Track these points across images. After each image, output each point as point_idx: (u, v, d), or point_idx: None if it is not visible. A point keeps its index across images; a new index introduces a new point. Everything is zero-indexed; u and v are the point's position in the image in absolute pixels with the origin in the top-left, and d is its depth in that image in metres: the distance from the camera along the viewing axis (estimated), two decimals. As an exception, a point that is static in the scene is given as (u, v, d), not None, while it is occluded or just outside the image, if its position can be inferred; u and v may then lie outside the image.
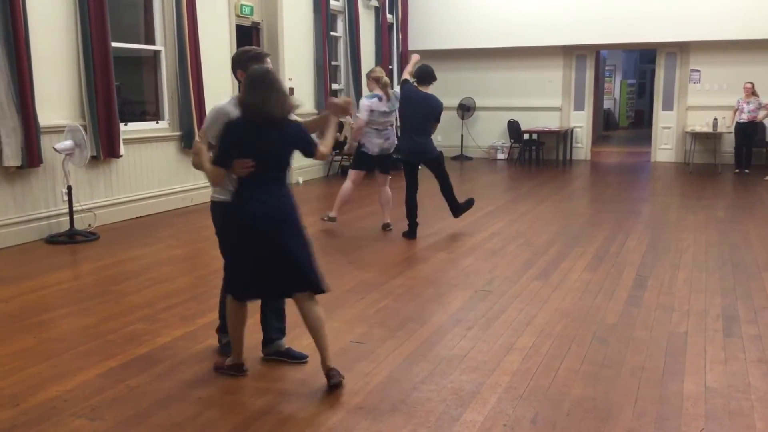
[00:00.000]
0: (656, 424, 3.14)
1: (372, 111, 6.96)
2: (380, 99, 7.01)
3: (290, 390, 3.52)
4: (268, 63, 3.71)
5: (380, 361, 3.84)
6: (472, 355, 3.97)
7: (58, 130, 6.94)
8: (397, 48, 14.47)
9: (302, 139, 3.53)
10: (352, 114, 3.59)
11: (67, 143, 6.79)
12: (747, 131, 12.25)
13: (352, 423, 3.17)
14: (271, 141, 3.38)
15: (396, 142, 7.39)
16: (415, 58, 7.59)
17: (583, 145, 14.97)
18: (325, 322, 3.54)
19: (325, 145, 3.62)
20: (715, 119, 12.80)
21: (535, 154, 14.36)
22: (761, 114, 12.08)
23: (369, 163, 7.31)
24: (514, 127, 14.43)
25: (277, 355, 3.82)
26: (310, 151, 3.55)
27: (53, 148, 6.78)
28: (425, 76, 7.09)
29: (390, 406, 3.33)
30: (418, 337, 4.22)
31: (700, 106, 13.62)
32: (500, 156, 15.02)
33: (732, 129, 12.56)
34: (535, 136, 14.33)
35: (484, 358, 3.92)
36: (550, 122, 14.65)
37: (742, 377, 3.66)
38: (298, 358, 3.79)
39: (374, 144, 7.11)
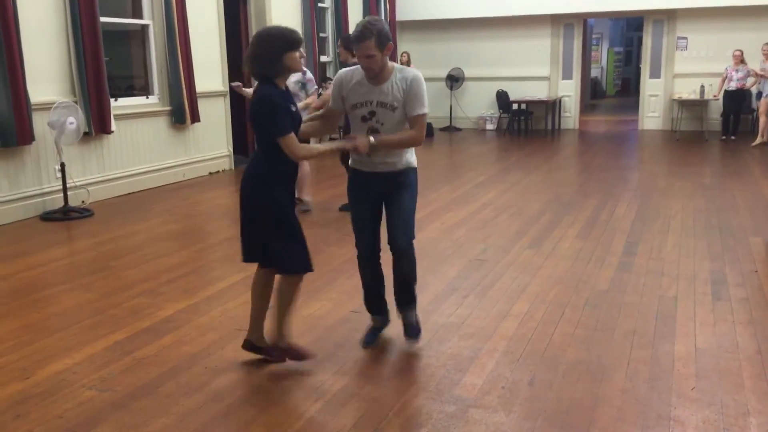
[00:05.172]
0: (648, 384, 3.26)
1: None
2: None
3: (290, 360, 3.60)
4: (364, 47, 3.33)
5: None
6: (469, 321, 4.07)
7: (49, 107, 6.92)
8: (386, 18, 14.39)
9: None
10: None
11: (61, 119, 6.78)
12: (736, 98, 12.34)
13: (355, 388, 3.27)
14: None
15: None
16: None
17: (571, 114, 15.04)
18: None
19: (306, 149, 3.32)
20: (702, 86, 12.88)
21: (524, 124, 14.41)
22: (750, 81, 12.17)
23: None
24: (502, 97, 14.45)
25: None
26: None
27: (47, 123, 6.77)
28: None
29: (392, 373, 3.44)
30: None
31: (687, 74, 13.70)
32: (489, 126, 15.07)
33: (719, 97, 12.66)
34: (523, 106, 14.36)
35: (481, 324, 4.03)
36: (538, 92, 14.68)
37: (731, 338, 3.79)
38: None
39: None
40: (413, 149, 3.62)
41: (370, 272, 3.76)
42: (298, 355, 3.50)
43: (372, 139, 3.39)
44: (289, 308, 3.47)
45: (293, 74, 6.59)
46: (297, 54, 3.27)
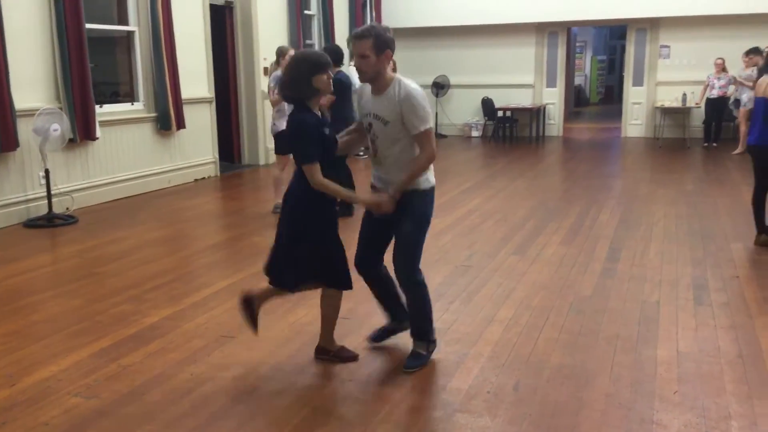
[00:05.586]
0: (632, 388, 3.30)
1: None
2: None
3: (279, 364, 3.61)
4: (361, 45, 3.35)
5: (367, 335, 3.95)
6: (455, 327, 4.11)
7: (33, 114, 6.89)
8: (371, 26, 14.42)
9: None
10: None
11: (46, 125, 6.75)
12: (717, 106, 12.49)
13: (344, 394, 3.29)
14: None
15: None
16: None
17: (555, 122, 15.15)
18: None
19: (324, 185, 3.31)
20: (684, 94, 13.04)
21: (509, 131, 14.50)
22: (731, 89, 12.32)
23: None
24: (488, 105, 14.54)
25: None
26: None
27: (32, 130, 6.74)
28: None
29: (379, 378, 3.46)
30: (401, 312, 4.34)
31: (669, 82, 13.85)
32: (475, 133, 15.14)
33: (701, 104, 12.81)
34: (508, 113, 14.46)
35: (467, 330, 4.06)
36: (523, 99, 14.79)
37: (713, 342, 3.84)
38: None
39: None
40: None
41: (367, 282, 3.77)
42: (349, 357, 3.65)
43: (390, 192, 3.41)
44: (335, 317, 3.63)
45: None
46: (325, 76, 3.31)
